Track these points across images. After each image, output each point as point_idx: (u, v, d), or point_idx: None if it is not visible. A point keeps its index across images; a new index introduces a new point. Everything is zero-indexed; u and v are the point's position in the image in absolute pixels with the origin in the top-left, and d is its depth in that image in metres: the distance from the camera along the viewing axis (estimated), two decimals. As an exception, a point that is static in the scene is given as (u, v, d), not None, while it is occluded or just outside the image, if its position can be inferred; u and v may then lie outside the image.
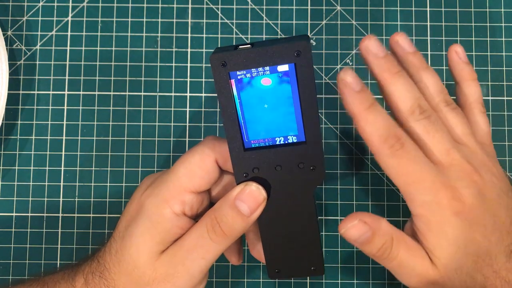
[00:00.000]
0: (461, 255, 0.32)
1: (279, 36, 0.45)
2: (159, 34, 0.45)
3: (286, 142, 0.32)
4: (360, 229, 0.32)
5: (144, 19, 0.45)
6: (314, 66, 0.44)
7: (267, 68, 0.30)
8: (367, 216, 0.33)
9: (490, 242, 0.32)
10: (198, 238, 0.32)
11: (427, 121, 0.33)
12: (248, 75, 0.30)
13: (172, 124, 0.44)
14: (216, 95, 0.44)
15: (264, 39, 0.45)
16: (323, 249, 0.43)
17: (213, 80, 0.44)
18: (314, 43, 0.45)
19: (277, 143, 0.32)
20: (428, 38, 0.45)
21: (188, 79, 0.44)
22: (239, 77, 0.30)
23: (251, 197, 0.32)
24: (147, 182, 0.35)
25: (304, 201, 0.33)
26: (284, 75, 0.30)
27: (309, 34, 0.45)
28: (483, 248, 0.32)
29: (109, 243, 0.34)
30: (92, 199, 0.43)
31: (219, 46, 0.45)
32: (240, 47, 0.30)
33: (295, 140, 0.32)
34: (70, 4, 0.45)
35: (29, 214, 0.43)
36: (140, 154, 0.44)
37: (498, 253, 0.32)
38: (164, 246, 0.33)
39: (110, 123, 0.44)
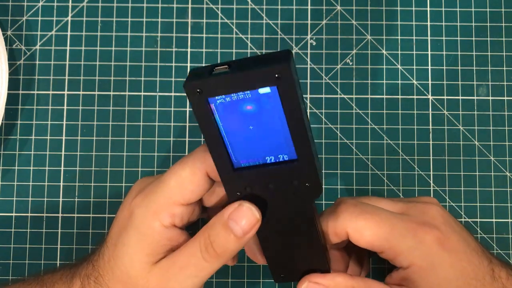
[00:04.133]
0: None
1: (279, 37, 0.45)
2: (159, 34, 0.45)
3: (277, 160, 0.30)
4: None
5: (144, 19, 0.45)
6: (315, 66, 0.44)
7: (247, 91, 0.28)
8: (319, 277, 0.34)
9: (475, 266, 0.33)
10: (191, 257, 0.32)
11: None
12: (228, 99, 0.28)
13: (172, 124, 0.44)
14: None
15: (264, 39, 0.45)
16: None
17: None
18: (314, 43, 0.45)
19: (268, 161, 0.30)
20: (428, 38, 0.45)
21: (188, 79, 0.44)
22: (218, 101, 0.28)
23: (244, 218, 0.31)
24: (137, 188, 0.34)
25: (303, 213, 0.32)
26: (266, 97, 0.28)
27: (309, 34, 0.45)
28: (471, 273, 0.33)
29: (102, 248, 0.34)
30: (92, 199, 0.43)
31: (219, 46, 0.44)
32: (216, 68, 0.28)
33: (286, 158, 0.30)
34: (70, 4, 0.45)
35: (29, 214, 0.43)
36: (140, 154, 0.44)
37: (484, 275, 0.33)
38: (155, 258, 0.32)
39: (110, 123, 0.44)
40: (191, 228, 0.35)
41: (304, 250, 0.34)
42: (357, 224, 0.33)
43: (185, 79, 0.28)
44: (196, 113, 0.29)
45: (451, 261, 0.33)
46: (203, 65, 0.44)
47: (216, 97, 0.28)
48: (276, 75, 0.27)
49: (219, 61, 0.45)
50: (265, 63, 0.27)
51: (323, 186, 0.43)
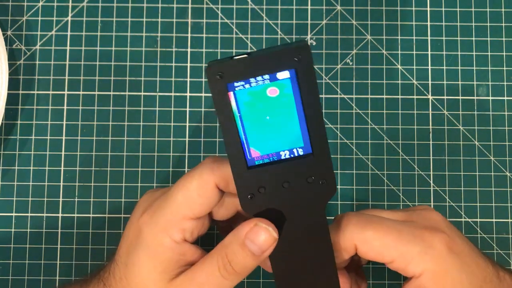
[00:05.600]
0: None
1: (279, 36, 0.45)
2: (159, 34, 0.45)
3: (292, 155, 0.30)
4: None
5: (144, 19, 0.45)
6: (315, 66, 0.44)
7: (266, 76, 0.28)
8: None
9: (482, 269, 0.33)
10: (209, 275, 0.31)
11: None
12: (247, 85, 0.28)
13: (172, 124, 0.44)
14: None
15: (264, 39, 0.45)
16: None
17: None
18: (314, 43, 0.45)
19: (283, 157, 0.30)
20: (429, 38, 0.45)
21: (188, 79, 0.44)
22: (237, 89, 0.28)
23: (261, 238, 0.30)
24: (143, 204, 0.34)
25: (316, 218, 0.31)
26: (284, 83, 0.28)
27: (309, 34, 0.45)
28: (480, 276, 0.33)
29: (112, 266, 0.34)
30: (92, 199, 0.43)
31: (219, 46, 0.45)
32: (235, 57, 0.28)
33: (301, 153, 0.30)
34: (70, 4, 0.45)
35: (29, 214, 0.43)
36: (140, 154, 0.44)
37: (491, 277, 0.33)
38: (169, 275, 0.32)
39: (110, 123, 0.44)
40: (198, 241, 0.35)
41: (316, 266, 0.33)
42: (365, 235, 0.32)
43: (206, 66, 0.29)
44: (216, 102, 0.29)
45: (461, 264, 0.32)
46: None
47: (236, 84, 0.28)
48: (295, 58, 0.27)
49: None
50: (284, 47, 0.28)
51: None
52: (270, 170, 0.30)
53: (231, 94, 0.29)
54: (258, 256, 0.31)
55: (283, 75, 0.28)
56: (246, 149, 0.30)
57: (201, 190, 0.31)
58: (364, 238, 0.32)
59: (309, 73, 0.28)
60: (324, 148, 0.29)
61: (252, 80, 0.28)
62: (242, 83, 0.28)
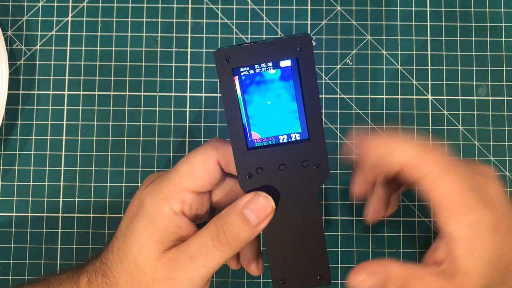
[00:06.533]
0: (493, 272, 0.32)
1: (278, 36, 0.45)
2: (159, 34, 0.45)
3: (290, 140, 0.32)
4: (369, 281, 0.33)
5: (144, 19, 0.45)
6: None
7: (270, 63, 0.30)
8: (375, 264, 0.33)
9: None
10: (201, 246, 0.32)
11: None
12: (252, 71, 0.31)
13: (172, 124, 0.44)
14: (215, 95, 0.44)
15: (264, 39, 0.45)
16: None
17: (213, 80, 0.44)
18: (314, 43, 0.45)
19: (281, 141, 0.32)
20: (428, 38, 0.45)
21: (188, 79, 0.44)
22: (242, 73, 0.31)
23: (260, 207, 0.31)
24: (149, 180, 0.35)
25: (309, 203, 0.33)
26: (286, 71, 0.31)
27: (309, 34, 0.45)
28: (510, 259, 0.32)
29: (111, 242, 0.34)
30: (92, 199, 0.43)
31: (219, 46, 0.45)
32: (243, 44, 0.31)
33: (298, 138, 0.32)
34: (70, 4, 0.45)
35: (29, 214, 0.43)
36: (140, 154, 0.44)
37: None
38: (163, 245, 0.32)
39: (110, 123, 0.44)
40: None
41: (307, 248, 0.34)
42: (441, 181, 0.32)
43: (214, 51, 0.31)
44: (222, 85, 0.31)
45: (499, 242, 0.32)
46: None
47: (241, 69, 0.31)
48: (298, 47, 0.30)
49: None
50: (288, 37, 0.30)
51: (323, 186, 0.43)
52: (268, 153, 0.32)
53: (236, 78, 0.31)
54: (254, 227, 0.32)
55: (285, 63, 0.30)
56: (247, 131, 0.32)
57: (204, 164, 0.33)
58: (439, 183, 0.32)
59: (309, 61, 0.30)
60: (320, 134, 0.31)
61: (256, 66, 0.30)
62: (247, 68, 0.30)
